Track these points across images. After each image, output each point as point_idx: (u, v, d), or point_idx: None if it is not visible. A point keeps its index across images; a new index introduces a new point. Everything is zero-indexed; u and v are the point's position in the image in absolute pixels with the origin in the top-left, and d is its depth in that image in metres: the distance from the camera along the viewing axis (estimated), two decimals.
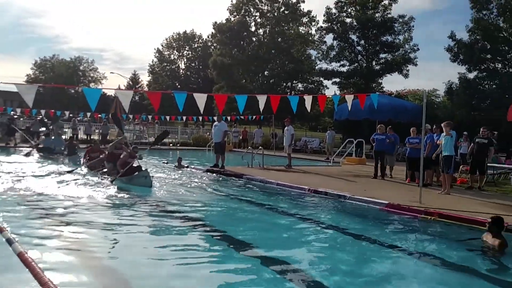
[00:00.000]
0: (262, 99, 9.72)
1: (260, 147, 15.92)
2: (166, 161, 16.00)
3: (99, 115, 24.09)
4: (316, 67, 41.09)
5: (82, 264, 4.65)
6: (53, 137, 16.58)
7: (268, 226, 6.85)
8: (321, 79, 42.24)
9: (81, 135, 25.04)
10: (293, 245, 5.78)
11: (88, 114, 23.11)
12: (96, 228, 6.13)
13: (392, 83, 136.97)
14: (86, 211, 7.18)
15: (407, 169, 12.50)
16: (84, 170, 11.89)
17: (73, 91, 72.77)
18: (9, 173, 10.94)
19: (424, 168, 9.14)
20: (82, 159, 13.06)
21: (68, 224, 6.27)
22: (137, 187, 9.56)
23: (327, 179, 12.25)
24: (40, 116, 22.13)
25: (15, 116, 25.38)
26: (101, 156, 12.07)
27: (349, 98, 10.41)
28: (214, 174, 12.72)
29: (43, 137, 17.33)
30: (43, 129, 21.22)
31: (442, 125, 10.18)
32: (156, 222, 6.73)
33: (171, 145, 25.65)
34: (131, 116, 25.62)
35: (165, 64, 69.69)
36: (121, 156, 10.55)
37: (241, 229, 6.61)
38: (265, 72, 44.31)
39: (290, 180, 11.12)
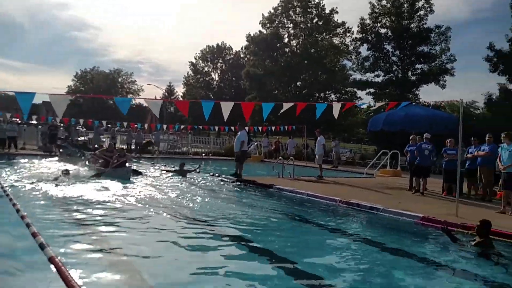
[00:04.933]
0: (287, 106, 9.71)
1: (291, 158, 15.80)
2: (198, 171, 16.15)
3: (135, 125, 24.74)
4: (350, 78, 40.75)
5: (108, 268, 4.70)
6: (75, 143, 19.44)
7: (296, 237, 6.75)
8: (355, 89, 41.80)
9: (119, 145, 25.81)
10: (323, 258, 5.63)
11: (125, 124, 23.89)
12: (122, 232, 6.34)
13: (428, 94, 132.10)
14: (113, 214, 7.45)
15: (443, 182, 12.05)
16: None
17: (111, 102, 75.31)
18: (35, 177, 11.63)
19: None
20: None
21: (96, 227, 6.51)
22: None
23: (359, 190, 11.99)
24: (79, 126, 23.13)
25: (59, 126, 26.50)
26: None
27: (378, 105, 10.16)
28: (242, 184, 12.71)
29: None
30: (82, 138, 22.22)
31: (503, 135, 9.17)
32: (181, 228, 6.76)
33: (203, 155, 25.94)
34: (165, 126, 26.15)
35: (199, 76, 70.97)
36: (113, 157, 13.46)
37: (268, 239, 6.53)
38: (298, 83, 44.26)
39: (321, 191, 10.92)
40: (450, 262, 5.74)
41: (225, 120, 8.89)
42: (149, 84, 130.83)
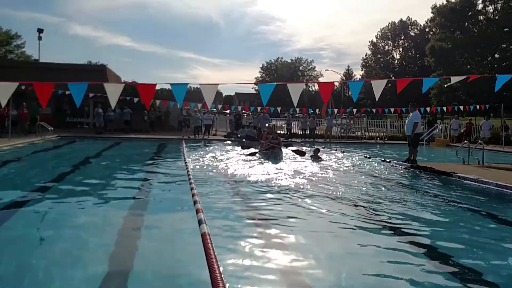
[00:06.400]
0: (456, 80, 8.15)
1: (480, 141, 13.47)
2: (368, 156, 15.39)
3: (307, 111, 25.23)
4: None
5: (258, 254, 4.60)
6: (247, 129, 20.99)
7: (480, 237, 5.45)
8: None
9: (296, 130, 26.87)
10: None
11: (297, 109, 24.65)
12: (281, 218, 6.12)
13: None
14: (274, 198, 7.43)
15: None
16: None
17: None
18: (214, 158, 13.22)
19: None
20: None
21: (258, 210, 6.57)
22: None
23: None
24: (263, 113, 24.87)
25: (245, 114, 29.22)
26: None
27: None
28: (417, 171, 11.45)
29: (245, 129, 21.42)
30: (266, 125, 23.93)
31: None
32: (344, 217, 6.23)
33: (378, 139, 24.68)
34: (336, 110, 25.85)
35: (379, 56, 67.77)
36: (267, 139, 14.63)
37: (443, 236, 5.47)
38: (495, 55, 37.61)
39: None
40: None
41: (376, 99, 8.01)
42: (327, 70, 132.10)
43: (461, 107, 23.36)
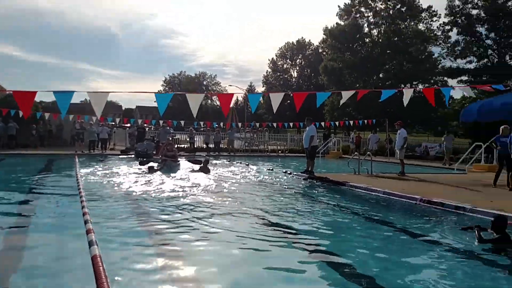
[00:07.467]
0: (347, 94, 8.84)
1: (368, 153, 14.67)
2: (271, 168, 15.80)
3: (211, 125, 25.21)
4: (439, 66, 37.52)
5: (154, 276, 4.38)
6: (145, 143, 19.77)
7: (366, 240, 5.87)
8: (445, 78, 38.38)
9: (199, 144, 26.54)
10: (399, 271, 4.64)
11: (202, 123, 24.45)
12: (183, 232, 5.92)
13: None
14: (175, 212, 7.18)
15: None
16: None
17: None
18: (111, 175, 12.36)
19: None
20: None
21: (155, 229, 6.24)
22: None
23: (446, 188, 10.64)
24: (164, 126, 24.03)
25: (146, 128, 28.03)
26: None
27: (467, 90, 8.82)
28: (314, 181, 12.04)
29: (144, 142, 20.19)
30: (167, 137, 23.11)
31: None
32: (245, 228, 6.22)
33: (279, 152, 25.58)
34: (240, 124, 26.27)
35: (279, 73, 70.98)
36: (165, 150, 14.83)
37: (335, 240, 5.81)
38: (380, 75, 41.88)
39: (400, 189, 9.83)
40: None
41: (274, 111, 8.29)
42: (231, 86, 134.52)
43: (351, 122, 25.37)
